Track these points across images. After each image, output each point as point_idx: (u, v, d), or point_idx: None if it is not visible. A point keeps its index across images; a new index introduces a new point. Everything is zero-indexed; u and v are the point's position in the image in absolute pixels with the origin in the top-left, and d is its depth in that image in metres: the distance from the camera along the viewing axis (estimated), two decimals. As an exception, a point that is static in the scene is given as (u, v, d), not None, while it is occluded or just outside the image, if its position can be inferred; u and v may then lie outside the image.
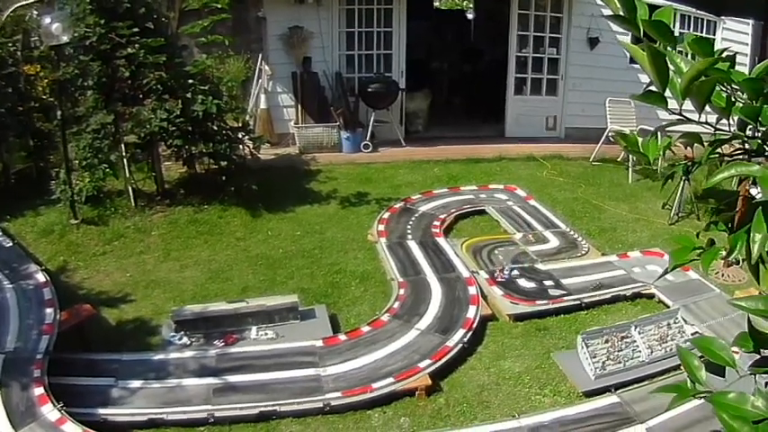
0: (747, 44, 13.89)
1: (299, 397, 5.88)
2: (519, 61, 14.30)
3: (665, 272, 2.21)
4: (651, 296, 7.93)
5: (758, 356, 1.82)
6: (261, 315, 6.97)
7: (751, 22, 13.67)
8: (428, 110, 14.45)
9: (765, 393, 1.73)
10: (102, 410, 5.60)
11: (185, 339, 6.66)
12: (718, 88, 1.86)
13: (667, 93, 1.81)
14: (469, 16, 20.95)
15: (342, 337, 6.76)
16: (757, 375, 1.79)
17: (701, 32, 14.22)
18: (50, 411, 5.24)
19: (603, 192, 11.54)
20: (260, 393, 5.92)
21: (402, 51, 13.50)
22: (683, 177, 9.89)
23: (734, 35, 14.01)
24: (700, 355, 1.94)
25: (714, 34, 14.32)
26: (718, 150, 2.05)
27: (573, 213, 10.50)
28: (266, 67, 12.64)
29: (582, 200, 11.11)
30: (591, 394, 6.17)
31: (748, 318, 1.77)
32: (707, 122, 1.92)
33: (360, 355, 6.43)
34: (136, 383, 5.93)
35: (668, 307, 7.52)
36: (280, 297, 7.27)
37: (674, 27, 10.33)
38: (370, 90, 12.87)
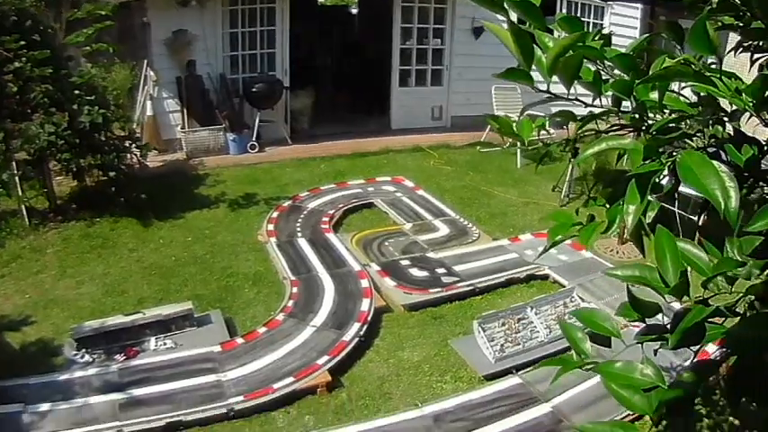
0: (636, 28, 14.34)
1: (202, 405, 5.77)
2: (403, 53, 14.40)
3: (545, 249, 2.24)
4: (546, 277, 8.09)
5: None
6: (158, 325, 6.83)
7: (639, 5, 14.16)
8: (313, 107, 14.37)
9: (653, 362, 1.76)
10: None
11: (87, 357, 6.46)
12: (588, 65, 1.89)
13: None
14: (353, 11, 20.96)
15: (239, 340, 6.67)
16: (644, 344, 1.81)
17: (590, 18, 14.70)
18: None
19: (492, 178, 11.72)
20: (165, 404, 5.78)
21: (286, 50, 13.38)
22: (571, 158, 10.11)
23: (622, 19, 14.51)
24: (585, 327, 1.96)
25: (602, 19, 14.77)
26: (593, 127, 2.09)
27: (462, 201, 10.64)
28: (151, 73, 12.36)
29: (471, 187, 11.27)
30: (492, 378, 6.25)
31: (627, 287, 1.80)
32: (577, 99, 1.95)
33: (258, 357, 6.36)
34: (45, 407, 5.70)
35: (564, 287, 7.67)
36: (175, 305, 7.12)
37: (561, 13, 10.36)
38: (254, 90, 12.71)
